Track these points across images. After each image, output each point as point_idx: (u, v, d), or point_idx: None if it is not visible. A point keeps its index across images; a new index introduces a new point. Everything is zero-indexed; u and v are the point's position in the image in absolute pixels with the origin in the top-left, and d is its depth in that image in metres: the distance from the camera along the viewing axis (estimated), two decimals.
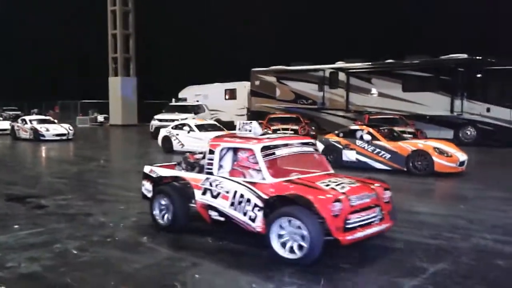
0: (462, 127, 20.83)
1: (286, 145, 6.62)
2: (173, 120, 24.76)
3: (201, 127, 18.27)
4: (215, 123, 20.08)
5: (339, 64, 24.93)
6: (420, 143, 12.84)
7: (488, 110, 20.24)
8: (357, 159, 13.13)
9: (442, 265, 5.59)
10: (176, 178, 7.09)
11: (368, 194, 5.97)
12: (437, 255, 5.94)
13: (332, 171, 6.80)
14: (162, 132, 19.09)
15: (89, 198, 9.64)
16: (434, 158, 12.02)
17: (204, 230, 6.78)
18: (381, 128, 13.94)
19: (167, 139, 18.60)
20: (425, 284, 5.04)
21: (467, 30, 33.45)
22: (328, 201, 5.46)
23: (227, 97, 31.12)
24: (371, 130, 13.35)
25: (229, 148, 6.69)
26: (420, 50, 23.95)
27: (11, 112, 41.72)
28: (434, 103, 21.39)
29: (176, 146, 18.20)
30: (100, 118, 43.04)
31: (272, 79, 27.29)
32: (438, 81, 21.58)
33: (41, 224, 7.52)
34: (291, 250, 5.51)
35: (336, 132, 14.43)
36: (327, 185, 5.90)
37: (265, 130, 15.80)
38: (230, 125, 23.18)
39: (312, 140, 7.42)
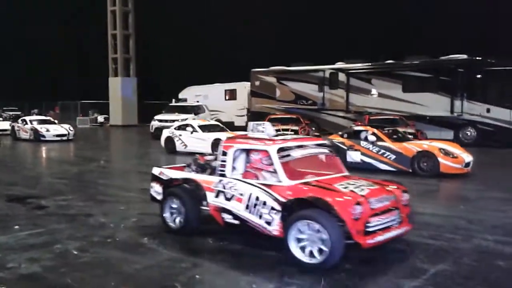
0: (462, 127, 20.83)
1: (301, 146, 6.50)
2: (173, 121, 24.79)
3: (204, 128, 18.20)
4: (218, 123, 20.03)
5: (339, 64, 24.93)
6: (426, 144, 12.76)
7: (488, 110, 20.24)
8: (361, 160, 13.02)
9: (443, 266, 5.58)
10: (187, 180, 6.91)
11: (388, 197, 5.86)
12: (438, 255, 5.94)
13: (347, 173, 6.66)
14: (165, 133, 19.00)
15: (90, 199, 9.64)
16: (440, 159, 11.95)
17: (205, 231, 6.76)
18: (385, 129, 13.90)
19: (170, 140, 18.54)
20: (425, 285, 5.03)
21: (467, 30, 33.42)
22: (348, 204, 5.33)
23: (227, 97, 31.12)
24: (375, 131, 13.25)
25: (242, 150, 6.54)
26: (420, 50, 23.94)
27: (11, 113, 41.71)
28: (434, 104, 21.39)
29: (179, 147, 18.16)
30: (100, 118, 43.08)
31: (272, 79, 27.28)
32: (438, 81, 21.58)
33: (42, 225, 7.52)
34: (311, 255, 5.37)
35: (340, 133, 14.35)
36: (346, 188, 5.78)
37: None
38: (230, 126, 23.22)
39: (326, 141, 7.26)
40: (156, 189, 7.38)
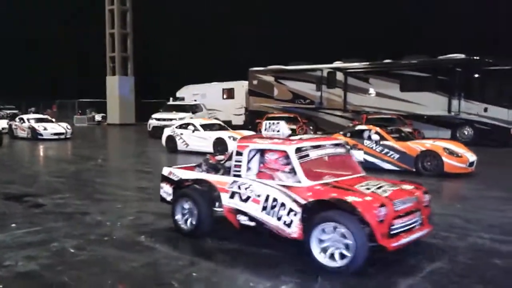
0: (459, 127, 20.86)
1: (318, 146, 6.33)
2: (171, 120, 24.84)
3: (205, 127, 18.09)
4: (220, 122, 19.91)
5: (337, 64, 24.93)
6: (429, 143, 12.70)
7: (485, 110, 20.27)
8: (364, 159, 12.86)
9: (439, 264, 5.60)
10: (199, 181, 6.71)
11: (410, 198, 5.72)
12: (434, 254, 5.95)
13: (364, 174, 6.52)
14: (166, 132, 18.90)
15: (87, 197, 9.63)
16: (444, 159, 11.88)
17: None
18: (389, 128, 13.85)
19: (171, 139, 18.45)
20: (421, 283, 5.05)
21: (465, 30, 33.50)
22: (373, 205, 5.18)
23: (225, 96, 31.11)
24: (379, 130, 13.18)
25: (257, 150, 6.37)
26: (418, 50, 23.99)
27: (8, 111, 41.62)
28: (431, 103, 21.42)
29: (180, 146, 18.09)
30: (98, 117, 43.02)
31: (270, 78, 27.29)
32: (436, 81, 21.61)
33: (39, 223, 7.52)
34: (332, 257, 5.26)
35: (343, 132, 14.31)
36: (368, 189, 5.64)
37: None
38: (227, 125, 23.19)
39: (342, 141, 7.13)
40: (166, 190, 7.18)
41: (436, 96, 21.40)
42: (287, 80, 26.62)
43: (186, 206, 6.64)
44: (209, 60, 45.04)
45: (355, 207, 5.14)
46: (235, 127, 22.86)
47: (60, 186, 11.05)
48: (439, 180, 11.66)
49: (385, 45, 33.29)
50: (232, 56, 42.67)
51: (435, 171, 11.97)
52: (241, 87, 30.06)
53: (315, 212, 5.42)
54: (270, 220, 5.85)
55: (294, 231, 5.62)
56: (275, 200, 5.80)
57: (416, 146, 12.51)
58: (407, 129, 18.80)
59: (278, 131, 6.58)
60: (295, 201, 5.63)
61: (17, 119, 26.73)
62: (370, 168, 12.29)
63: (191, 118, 23.60)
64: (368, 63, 24.02)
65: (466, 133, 20.65)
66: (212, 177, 6.66)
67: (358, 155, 13.00)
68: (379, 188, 5.69)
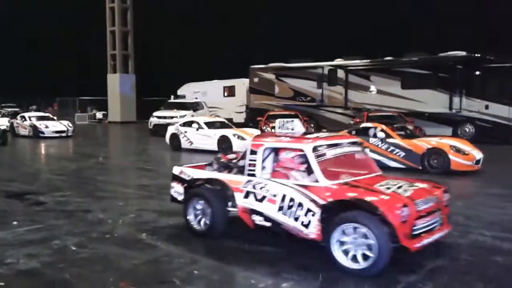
0: (460, 124, 20.84)
1: (336, 145, 6.20)
2: (172, 117, 24.87)
3: (210, 125, 18.04)
4: (224, 120, 19.85)
5: (338, 61, 24.90)
6: (435, 141, 12.64)
7: (486, 107, 20.26)
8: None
9: (440, 262, 5.60)
10: (212, 180, 6.54)
11: (431, 198, 5.60)
12: (435, 251, 5.93)
13: (380, 172, 6.39)
14: (170, 130, 18.84)
15: (88, 195, 9.64)
16: (451, 157, 11.83)
17: None
18: (394, 126, 13.79)
19: (175, 137, 18.39)
20: (423, 281, 5.05)
21: (466, 27, 33.45)
22: (396, 205, 5.06)
23: (225, 94, 31.07)
24: (384, 127, 13.11)
25: (272, 148, 6.25)
26: (419, 47, 23.92)
27: (9, 109, 41.68)
28: (432, 100, 21.39)
29: (184, 144, 18.04)
30: (99, 115, 43.02)
31: (271, 76, 27.25)
32: (437, 78, 21.58)
33: (40, 221, 7.53)
34: (354, 259, 5.13)
35: (348, 129, 14.25)
36: (388, 188, 5.50)
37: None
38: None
39: (358, 140, 7.01)
40: (177, 189, 7.04)
41: (437, 94, 21.38)
42: (288, 78, 26.58)
43: (199, 206, 6.51)
44: (210, 58, 45.02)
45: (378, 208, 5.01)
46: (236, 125, 22.84)
47: (61, 184, 11.06)
48: (444, 177, 11.62)
49: (385, 42, 33.27)
50: (233, 53, 42.65)
51: (442, 169, 11.89)
52: (242, 84, 30.02)
53: (335, 213, 5.28)
54: (287, 221, 5.71)
55: (312, 231, 5.50)
56: (292, 200, 5.67)
57: (422, 144, 12.46)
58: (408, 127, 18.81)
59: (293, 129, 6.47)
60: (313, 201, 5.50)
61: (18, 117, 26.73)
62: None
63: (192, 116, 23.60)
64: (369, 60, 23.99)
65: (467, 131, 20.63)
66: (225, 176, 6.53)
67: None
68: (399, 187, 5.57)
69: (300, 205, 5.59)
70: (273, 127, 21.66)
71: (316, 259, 5.52)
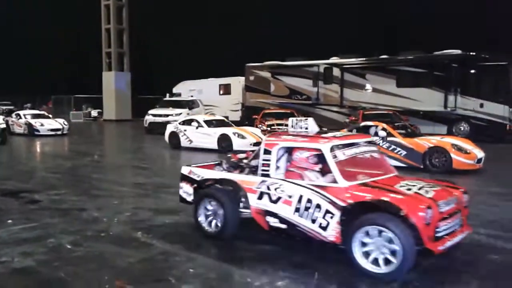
0: (455, 122, 20.90)
1: (352, 144, 6.01)
2: (167, 115, 24.84)
3: (209, 123, 17.94)
4: (224, 118, 19.73)
5: (334, 59, 24.93)
6: (437, 140, 12.62)
7: (481, 105, 20.31)
8: None
9: (435, 260, 5.59)
10: (224, 181, 6.36)
11: (453, 199, 5.48)
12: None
13: (396, 173, 6.20)
14: (169, 128, 18.74)
15: (83, 193, 9.60)
16: (453, 155, 11.80)
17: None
18: (395, 124, 13.75)
19: (174, 135, 18.30)
20: (419, 279, 5.05)
21: (461, 26, 33.50)
22: (420, 208, 4.91)
23: (221, 92, 31.02)
24: (385, 126, 13.06)
25: (286, 148, 6.09)
26: (414, 45, 23.97)
27: (4, 107, 41.52)
28: (428, 99, 21.44)
29: (183, 142, 17.95)
30: (94, 113, 42.91)
31: (266, 74, 27.25)
32: (432, 76, 21.62)
33: (35, 219, 7.49)
34: (375, 262, 4.99)
35: (349, 128, 14.21)
36: (409, 189, 5.34)
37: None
38: None
39: (373, 139, 6.80)
40: (186, 190, 6.88)
41: (432, 92, 21.42)
42: (284, 76, 26.60)
43: (210, 207, 6.36)
44: (206, 56, 44.93)
45: (401, 209, 4.86)
46: (232, 123, 22.85)
47: (56, 182, 11.03)
48: (446, 176, 11.60)
49: (380, 41, 33.35)
50: (228, 51, 42.61)
51: (444, 167, 11.87)
52: (237, 82, 30.00)
53: (355, 215, 5.11)
54: (304, 223, 5.53)
55: (331, 234, 5.34)
56: (309, 201, 5.50)
57: (423, 143, 12.44)
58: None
59: (306, 128, 6.34)
60: (331, 202, 5.33)
61: (13, 115, 26.63)
62: None
63: (188, 114, 23.55)
64: (364, 59, 24.03)
65: (462, 129, 20.68)
66: (238, 177, 6.35)
67: None
68: (420, 188, 5.40)
69: (318, 206, 5.43)
70: (269, 125, 21.71)
71: (313, 257, 5.52)
